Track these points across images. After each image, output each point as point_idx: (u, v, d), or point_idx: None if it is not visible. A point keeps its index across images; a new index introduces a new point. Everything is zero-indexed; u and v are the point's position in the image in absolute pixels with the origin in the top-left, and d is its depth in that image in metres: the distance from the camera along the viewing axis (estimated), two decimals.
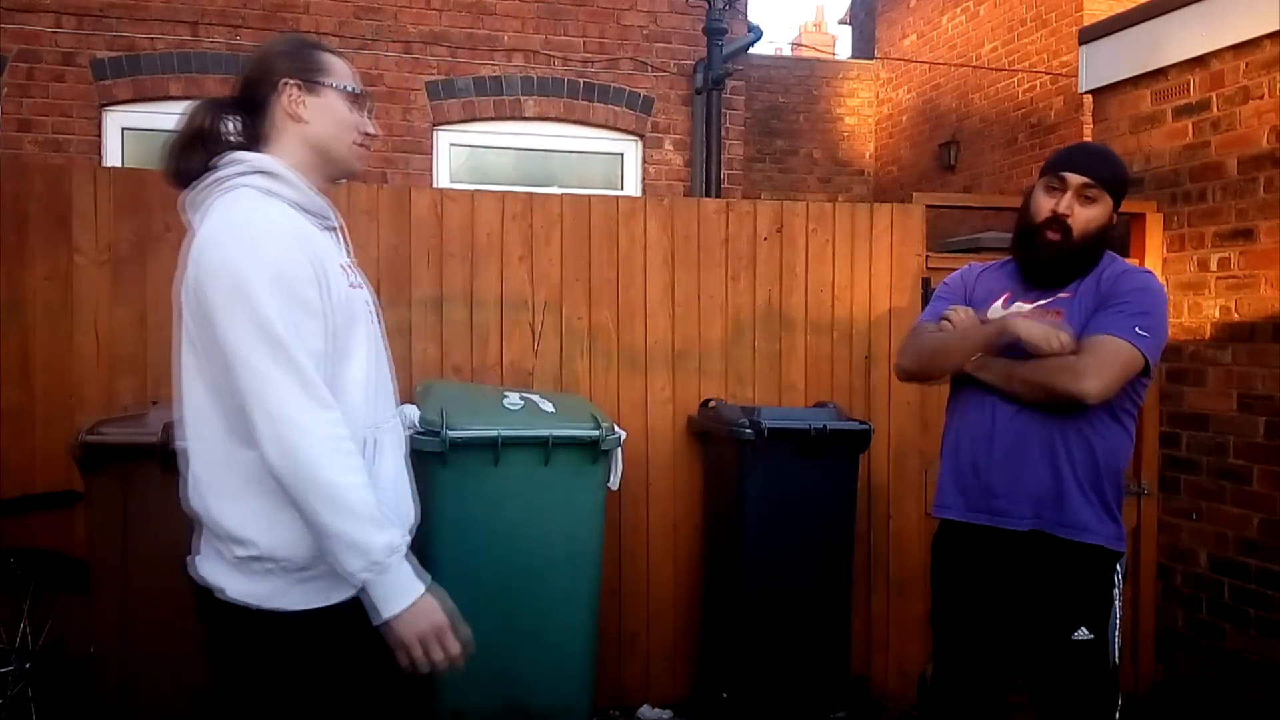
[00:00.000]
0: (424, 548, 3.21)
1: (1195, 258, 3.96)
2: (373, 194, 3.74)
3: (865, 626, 4.01)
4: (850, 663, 3.80)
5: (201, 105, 1.87)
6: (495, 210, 3.81)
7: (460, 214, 3.77)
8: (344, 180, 2.04)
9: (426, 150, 6.50)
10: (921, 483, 4.07)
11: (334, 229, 1.96)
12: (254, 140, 1.87)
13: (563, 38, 6.69)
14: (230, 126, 1.87)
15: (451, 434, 3.11)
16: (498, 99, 6.60)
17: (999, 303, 2.50)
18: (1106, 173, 2.41)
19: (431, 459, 3.14)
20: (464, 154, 6.72)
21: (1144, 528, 4.10)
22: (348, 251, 1.97)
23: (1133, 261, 4.06)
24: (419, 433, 3.15)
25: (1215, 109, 3.85)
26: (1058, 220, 2.36)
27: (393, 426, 1.93)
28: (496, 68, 6.59)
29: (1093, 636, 2.36)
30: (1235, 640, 3.76)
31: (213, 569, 1.77)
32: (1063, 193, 2.38)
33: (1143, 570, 4.11)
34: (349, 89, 1.91)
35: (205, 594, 1.77)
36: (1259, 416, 3.67)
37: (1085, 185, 2.37)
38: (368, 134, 1.96)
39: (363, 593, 1.70)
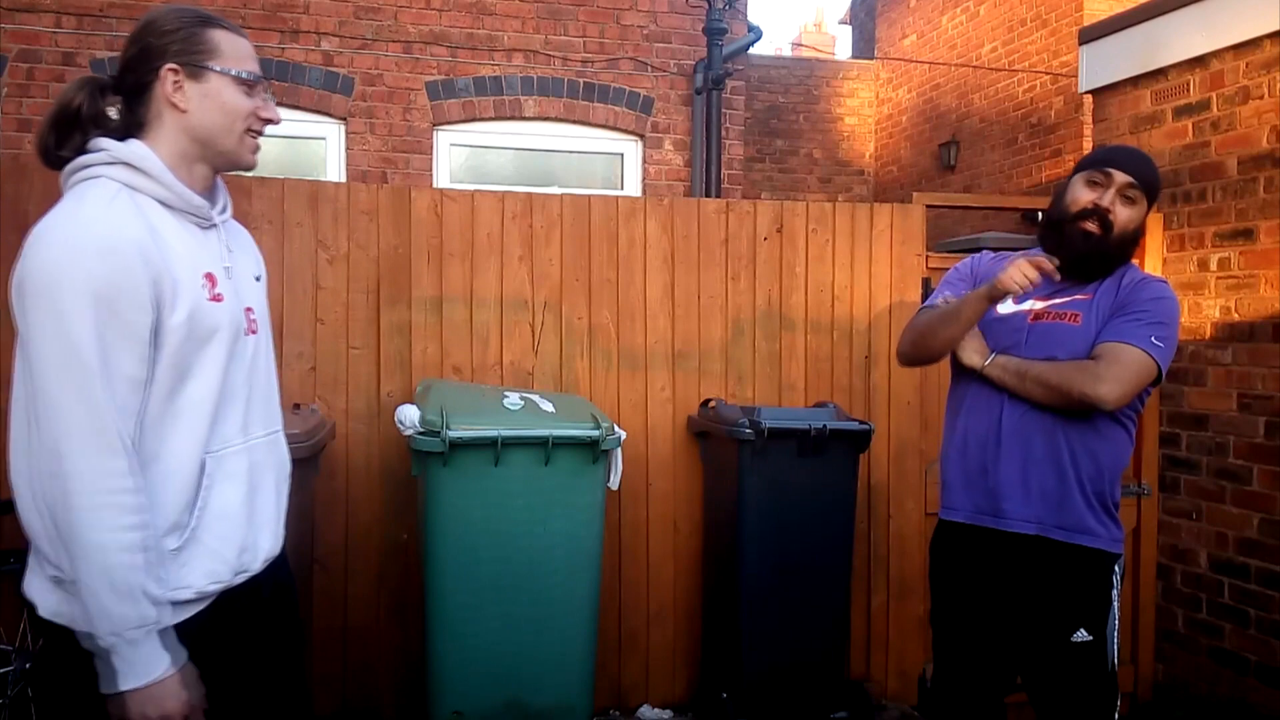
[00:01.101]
0: (425, 547, 3.24)
1: (1195, 258, 3.96)
2: (373, 194, 3.74)
3: (865, 626, 4.02)
4: (850, 663, 3.80)
5: (78, 83, 1.71)
6: (495, 210, 3.81)
7: (460, 214, 3.77)
8: (235, 172, 1.86)
9: (426, 150, 6.50)
10: (921, 483, 4.07)
11: (214, 226, 1.76)
12: (134, 126, 1.71)
13: (563, 38, 6.69)
14: (112, 108, 1.71)
15: (452, 434, 3.11)
16: (498, 99, 6.60)
17: (1010, 296, 2.47)
18: (1149, 175, 2.40)
19: (432, 459, 3.14)
20: (464, 154, 6.72)
21: (1144, 528, 4.10)
22: (228, 251, 1.78)
23: (1132, 262, 4.07)
24: (419, 433, 3.15)
25: (1215, 109, 3.85)
26: (1098, 213, 2.33)
27: (250, 448, 1.76)
28: (496, 68, 6.59)
29: (1091, 638, 2.36)
30: (1235, 640, 3.76)
31: (29, 583, 1.66)
32: (1106, 188, 2.35)
33: (1143, 570, 4.11)
34: (239, 74, 1.72)
35: (30, 608, 1.66)
36: (1259, 416, 3.67)
37: (1129, 184, 2.35)
38: (265, 119, 1.77)
39: (99, 657, 1.55)
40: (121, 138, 1.68)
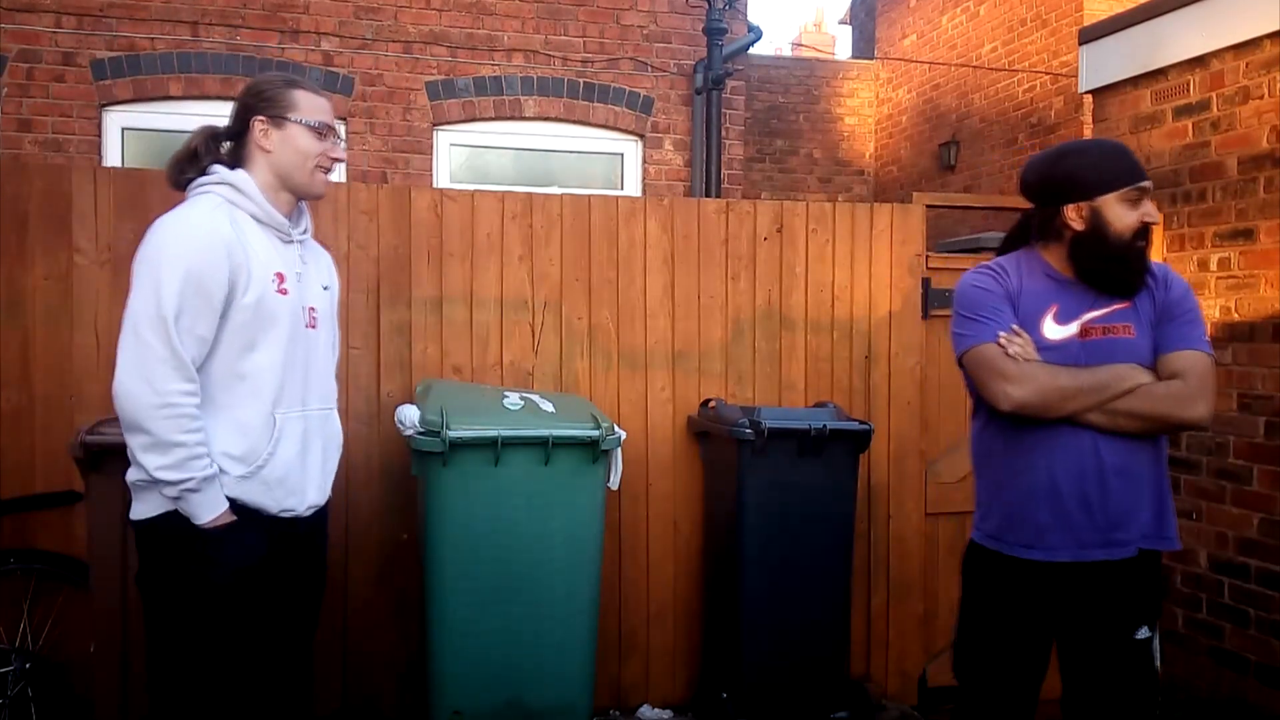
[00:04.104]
0: (425, 547, 3.24)
1: (1195, 258, 3.96)
2: (373, 194, 3.74)
3: (865, 626, 4.01)
4: (850, 663, 3.80)
5: (200, 131, 2.33)
6: (495, 210, 3.81)
7: (460, 214, 3.77)
8: (311, 199, 2.44)
9: (426, 150, 6.50)
10: (921, 483, 4.07)
11: (295, 243, 2.35)
12: (237, 162, 2.31)
13: (563, 38, 6.69)
14: (224, 149, 2.33)
15: (452, 434, 3.11)
16: (498, 99, 6.60)
17: (1049, 317, 2.34)
18: None
19: (432, 459, 3.14)
20: (464, 154, 6.72)
21: None
22: (302, 263, 2.37)
23: None
24: (420, 432, 3.15)
25: (1215, 109, 3.85)
26: (1147, 231, 2.31)
27: (306, 416, 2.32)
28: (496, 68, 6.59)
29: (1151, 635, 2.35)
30: (1235, 640, 3.76)
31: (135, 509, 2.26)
32: (1144, 201, 2.30)
33: None
34: (311, 123, 2.31)
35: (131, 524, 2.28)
36: (1259, 416, 3.67)
37: (1150, 189, 2.34)
38: (334, 158, 2.37)
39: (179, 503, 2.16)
40: (232, 167, 2.30)
